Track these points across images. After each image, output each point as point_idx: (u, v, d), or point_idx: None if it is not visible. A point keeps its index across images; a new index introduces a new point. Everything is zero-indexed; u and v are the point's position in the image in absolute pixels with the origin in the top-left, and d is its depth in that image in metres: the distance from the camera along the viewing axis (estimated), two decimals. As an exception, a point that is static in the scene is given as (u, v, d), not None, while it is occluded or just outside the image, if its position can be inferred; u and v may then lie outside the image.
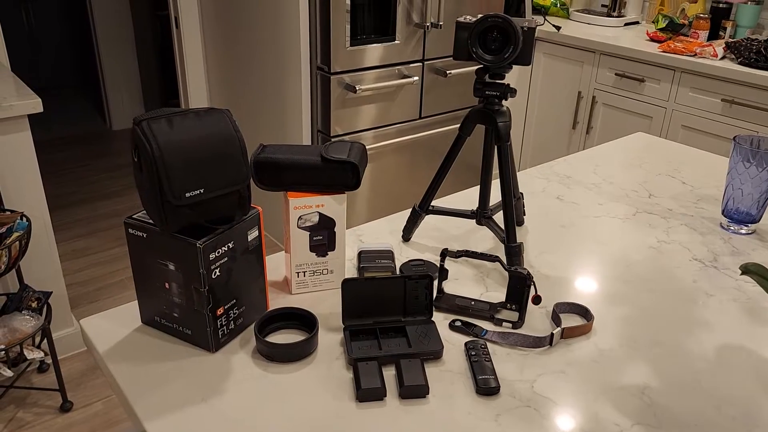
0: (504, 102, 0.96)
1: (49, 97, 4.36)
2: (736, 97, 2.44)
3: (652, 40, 2.81)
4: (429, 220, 1.24)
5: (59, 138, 4.25)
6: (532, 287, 0.97)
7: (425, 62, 2.58)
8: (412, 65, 2.54)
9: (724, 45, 2.54)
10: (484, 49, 0.92)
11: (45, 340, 1.94)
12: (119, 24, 4.12)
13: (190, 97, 3.07)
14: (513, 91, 0.99)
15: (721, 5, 2.79)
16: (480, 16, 0.93)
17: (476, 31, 0.92)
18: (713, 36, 2.79)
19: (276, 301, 0.98)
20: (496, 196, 1.31)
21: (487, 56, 0.92)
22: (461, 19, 0.97)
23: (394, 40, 2.45)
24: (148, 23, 4.02)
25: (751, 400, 0.81)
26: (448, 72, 2.62)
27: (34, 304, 1.93)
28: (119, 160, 3.95)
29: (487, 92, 0.99)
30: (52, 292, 2.00)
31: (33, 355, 1.86)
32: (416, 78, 2.54)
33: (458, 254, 0.96)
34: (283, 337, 0.91)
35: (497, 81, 0.99)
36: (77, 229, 3.12)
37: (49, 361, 2.17)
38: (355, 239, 1.16)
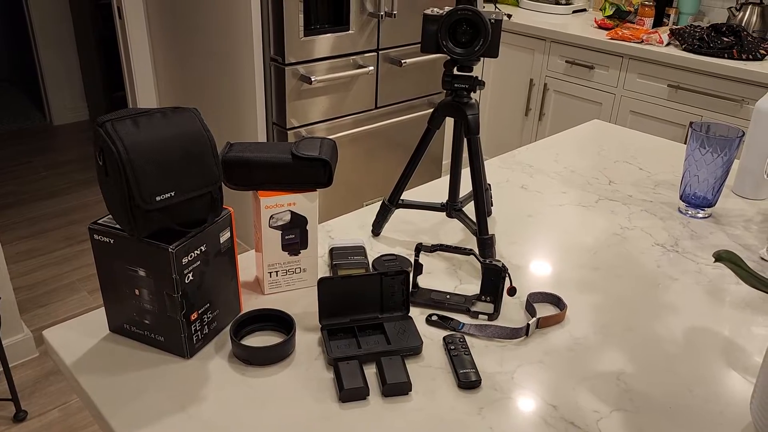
0: (473, 94, 0.96)
1: (-18, 91, 4.15)
2: (681, 82, 2.52)
3: (600, 27, 2.87)
4: (398, 213, 1.23)
5: (-4, 135, 4.05)
6: (507, 279, 0.98)
7: (380, 52, 2.56)
8: (366, 55, 2.52)
9: (669, 32, 2.62)
10: (454, 42, 0.92)
11: (-6, 349, 1.86)
12: (56, 13, 3.94)
13: (137, 91, 2.97)
14: (482, 83, 0.99)
15: (664, -7, 2.87)
16: (448, 8, 0.92)
17: (446, 24, 0.91)
18: (658, 23, 2.87)
19: (249, 303, 0.96)
20: (462, 187, 1.32)
21: (458, 49, 0.91)
22: (428, 11, 0.96)
23: (348, 29, 2.42)
24: (87, 12, 3.85)
25: (720, 381, 0.84)
26: (403, 61, 2.61)
27: (-19, 312, 1.84)
28: (62, 156, 3.79)
29: (456, 85, 0.99)
30: (0, 298, 1.91)
31: (-18, 365, 1.78)
32: (371, 68, 2.52)
33: (432, 249, 0.95)
34: (259, 340, 0.89)
35: (466, 73, 0.99)
36: (21, 231, 2.99)
37: (-1, 369, 2.08)
38: (325, 235, 1.15)
